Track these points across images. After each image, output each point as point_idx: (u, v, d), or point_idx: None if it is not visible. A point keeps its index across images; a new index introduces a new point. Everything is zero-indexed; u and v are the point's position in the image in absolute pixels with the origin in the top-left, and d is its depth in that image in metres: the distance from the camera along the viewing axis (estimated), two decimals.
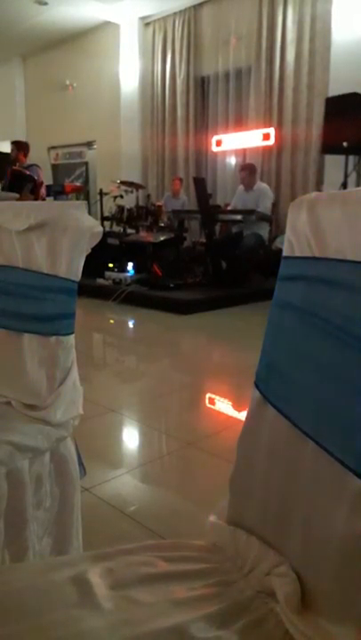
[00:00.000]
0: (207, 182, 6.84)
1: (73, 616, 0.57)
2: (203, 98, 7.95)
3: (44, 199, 5.81)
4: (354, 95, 5.09)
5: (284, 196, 6.70)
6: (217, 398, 2.87)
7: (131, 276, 5.81)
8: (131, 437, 2.35)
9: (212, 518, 0.77)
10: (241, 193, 6.24)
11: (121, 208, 6.69)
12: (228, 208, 6.38)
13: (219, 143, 7.34)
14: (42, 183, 5.75)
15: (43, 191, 5.70)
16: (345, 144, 5.11)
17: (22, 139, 7.25)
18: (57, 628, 0.55)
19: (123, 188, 6.98)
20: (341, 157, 5.36)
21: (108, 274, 5.96)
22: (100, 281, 5.92)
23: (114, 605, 0.58)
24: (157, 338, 4.39)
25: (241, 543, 0.70)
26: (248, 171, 6.10)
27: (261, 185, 6.19)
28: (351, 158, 5.37)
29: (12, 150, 5.82)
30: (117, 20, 8.33)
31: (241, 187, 6.26)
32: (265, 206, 5.94)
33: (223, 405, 2.75)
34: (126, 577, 0.64)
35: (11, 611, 0.57)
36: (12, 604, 0.58)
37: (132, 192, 6.94)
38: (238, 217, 5.91)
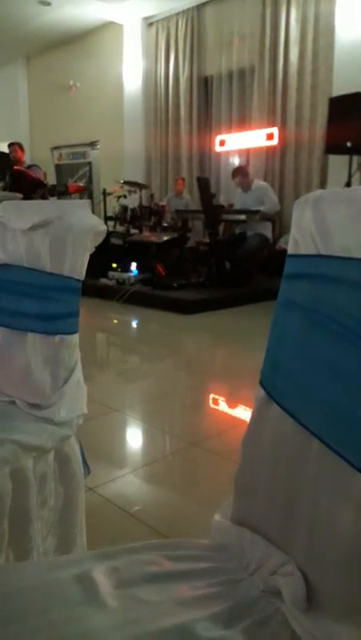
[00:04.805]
0: (211, 182, 6.84)
1: (78, 614, 0.56)
2: (206, 98, 7.94)
3: (47, 199, 5.82)
4: (358, 95, 5.08)
5: (288, 196, 6.69)
6: (221, 398, 2.87)
7: (134, 276, 5.81)
8: (135, 437, 2.35)
9: (217, 517, 0.77)
10: (240, 195, 6.24)
11: (124, 208, 6.70)
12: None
13: (222, 143, 7.33)
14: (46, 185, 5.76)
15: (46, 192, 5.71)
16: (349, 144, 5.10)
17: (26, 139, 7.26)
18: (62, 627, 0.55)
19: (126, 187, 6.99)
20: (345, 157, 5.35)
21: (111, 274, 5.96)
22: (104, 281, 5.93)
23: (119, 604, 0.58)
24: (161, 338, 4.39)
25: (246, 542, 0.70)
26: (240, 174, 6.11)
27: (260, 183, 6.19)
28: (355, 158, 5.36)
29: (11, 151, 5.81)
30: (121, 20, 8.34)
31: (239, 190, 6.26)
32: (272, 201, 5.93)
33: (227, 405, 2.75)
34: (131, 576, 0.63)
35: (15, 609, 0.57)
36: (17, 602, 0.58)
37: (135, 192, 6.94)
38: (242, 217, 5.91)
